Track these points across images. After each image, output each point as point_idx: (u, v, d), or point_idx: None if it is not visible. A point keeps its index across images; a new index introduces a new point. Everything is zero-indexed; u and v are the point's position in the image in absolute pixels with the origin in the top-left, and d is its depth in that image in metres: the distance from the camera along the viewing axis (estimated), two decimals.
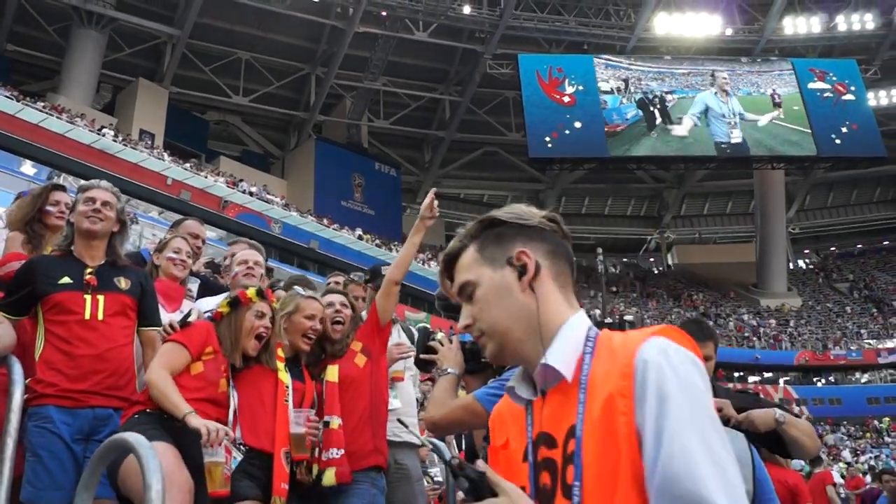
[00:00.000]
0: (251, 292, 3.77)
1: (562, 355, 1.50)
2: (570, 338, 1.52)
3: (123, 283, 3.83)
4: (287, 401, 3.74)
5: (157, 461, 2.09)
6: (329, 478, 3.75)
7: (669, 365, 1.36)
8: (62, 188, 4.63)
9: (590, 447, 1.39)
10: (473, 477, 1.41)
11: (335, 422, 3.88)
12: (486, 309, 1.59)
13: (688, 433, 1.30)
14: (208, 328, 3.64)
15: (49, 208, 4.41)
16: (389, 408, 4.27)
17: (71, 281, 3.70)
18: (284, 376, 3.79)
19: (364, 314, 4.39)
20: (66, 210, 4.38)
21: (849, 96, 44.22)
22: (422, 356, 3.34)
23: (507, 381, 2.82)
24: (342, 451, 3.81)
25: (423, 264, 39.71)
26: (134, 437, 2.47)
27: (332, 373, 4.02)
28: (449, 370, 3.14)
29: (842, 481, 18.82)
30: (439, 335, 3.34)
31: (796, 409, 35.78)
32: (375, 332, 4.15)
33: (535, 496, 1.48)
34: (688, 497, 1.27)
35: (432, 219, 3.97)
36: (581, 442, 1.41)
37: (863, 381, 44.10)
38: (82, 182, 4.04)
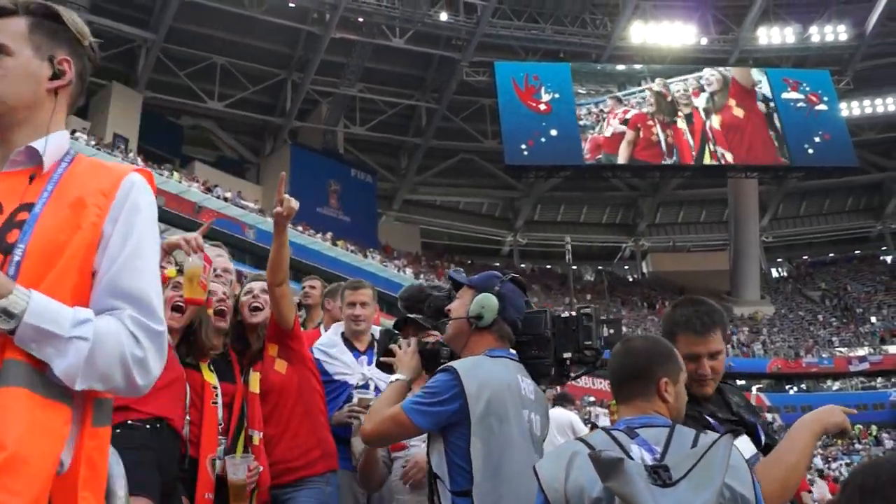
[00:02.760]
0: (170, 271, 3.66)
1: (50, 149, 1.75)
2: (59, 143, 1.78)
3: None
4: (215, 402, 3.65)
5: (121, 467, 2.03)
6: None
7: (147, 191, 1.79)
8: None
9: (45, 225, 1.63)
10: None
11: (257, 437, 3.77)
12: (8, 81, 1.74)
13: (147, 240, 1.72)
14: None
15: None
16: None
17: None
18: (210, 376, 3.69)
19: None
20: None
21: (822, 106, 44.61)
22: (381, 359, 3.28)
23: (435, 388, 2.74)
24: (260, 468, 3.68)
25: (398, 271, 39.69)
26: None
27: (255, 383, 3.88)
28: (399, 376, 3.06)
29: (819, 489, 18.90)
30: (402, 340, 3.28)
31: (769, 417, 36.01)
32: (283, 335, 3.98)
33: None
34: (134, 285, 1.66)
35: (288, 211, 3.80)
36: (38, 218, 1.64)
37: (834, 388, 44.41)
38: None
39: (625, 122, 43.11)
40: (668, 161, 43.46)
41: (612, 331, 3.06)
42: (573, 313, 3.14)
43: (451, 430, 2.79)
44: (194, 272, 3.18)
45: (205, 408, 3.61)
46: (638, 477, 1.94)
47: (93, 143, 34.04)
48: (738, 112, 44.08)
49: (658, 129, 43.19)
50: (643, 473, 1.97)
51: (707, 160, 43.66)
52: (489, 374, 2.83)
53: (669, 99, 43.97)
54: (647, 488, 1.94)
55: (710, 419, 2.74)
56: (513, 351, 3.03)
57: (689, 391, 2.68)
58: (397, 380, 3.05)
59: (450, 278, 3.24)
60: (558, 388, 11.99)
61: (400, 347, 3.18)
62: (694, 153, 43.34)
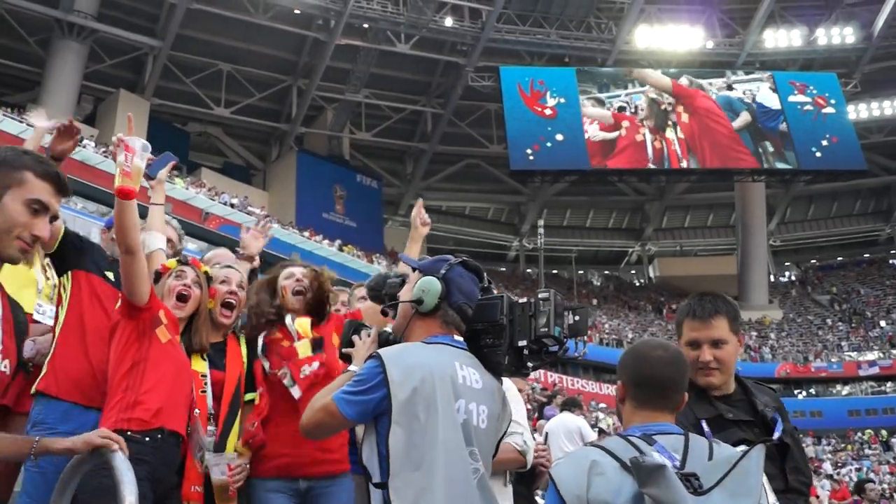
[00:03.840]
0: (171, 262, 3.66)
1: None
2: None
3: None
4: (203, 391, 3.58)
5: (131, 474, 2.02)
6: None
7: None
8: None
9: None
10: None
11: (308, 369, 3.71)
12: None
13: None
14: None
15: None
16: None
17: (115, 280, 3.63)
18: (200, 364, 3.62)
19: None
20: None
21: (829, 109, 44.45)
22: (344, 350, 3.13)
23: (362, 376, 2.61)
24: (247, 465, 3.56)
25: None
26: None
27: (303, 326, 3.83)
28: (353, 367, 2.88)
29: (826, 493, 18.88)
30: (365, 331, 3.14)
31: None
32: None
33: None
34: None
35: (425, 226, 3.91)
36: None
37: (844, 393, 44.22)
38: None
39: (608, 126, 43.03)
40: (653, 167, 43.36)
41: (576, 318, 2.89)
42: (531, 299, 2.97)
43: (380, 420, 2.59)
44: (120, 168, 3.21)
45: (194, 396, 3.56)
46: (681, 484, 1.92)
47: (101, 150, 34.11)
48: (685, 118, 43.73)
49: (646, 132, 43.02)
50: None
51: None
52: (417, 359, 2.64)
53: (663, 107, 43.83)
54: (689, 496, 1.91)
55: (703, 424, 2.60)
56: (458, 338, 2.80)
57: (692, 382, 2.61)
58: (349, 370, 2.87)
59: (404, 262, 3.14)
60: (526, 381, 11.89)
61: (361, 338, 3.01)
62: (684, 163, 43.21)
